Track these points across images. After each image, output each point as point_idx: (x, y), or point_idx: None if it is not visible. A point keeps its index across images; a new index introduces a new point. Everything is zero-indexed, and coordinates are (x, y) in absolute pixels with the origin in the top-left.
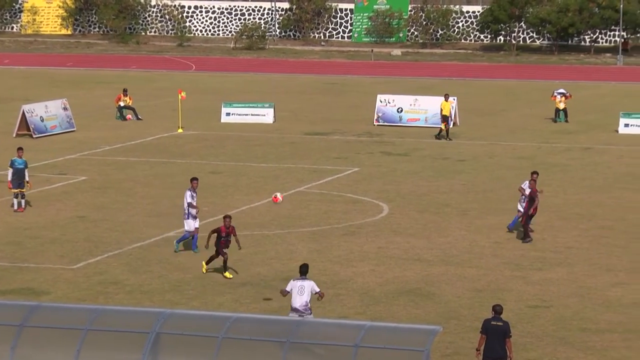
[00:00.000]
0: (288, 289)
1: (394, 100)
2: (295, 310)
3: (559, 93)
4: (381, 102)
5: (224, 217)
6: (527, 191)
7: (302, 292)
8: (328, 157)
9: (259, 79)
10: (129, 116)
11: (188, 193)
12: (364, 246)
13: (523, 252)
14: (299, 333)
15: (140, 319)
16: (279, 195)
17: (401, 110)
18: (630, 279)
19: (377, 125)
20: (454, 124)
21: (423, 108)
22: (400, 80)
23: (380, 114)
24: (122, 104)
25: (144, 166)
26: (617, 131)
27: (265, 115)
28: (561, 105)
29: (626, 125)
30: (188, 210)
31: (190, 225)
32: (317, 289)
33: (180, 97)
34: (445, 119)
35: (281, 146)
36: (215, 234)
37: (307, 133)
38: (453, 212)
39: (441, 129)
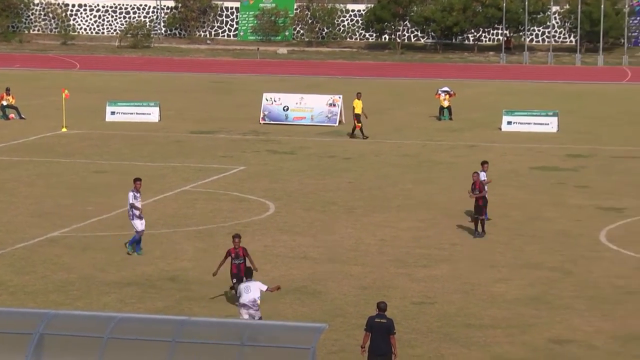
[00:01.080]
0: (237, 294)
1: (279, 98)
2: (243, 305)
3: (443, 91)
4: (267, 100)
5: (233, 237)
6: (483, 177)
7: (248, 290)
8: (214, 155)
9: (144, 78)
10: (11, 115)
11: (131, 194)
12: (250, 245)
13: (408, 250)
14: (185, 332)
15: (24, 320)
16: None
17: (287, 109)
18: (513, 275)
19: (263, 123)
20: (339, 122)
21: (309, 106)
22: (286, 79)
23: (266, 113)
24: (4, 103)
25: (28, 166)
26: (500, 129)
27: (151, 114)
28: (445, 103)
29: (509, 122)
30: (132, 211)
31: (137, 225)
32: (265, 287)
33: (64, 95)
34: (357, 117)
35: (167, 145)
36: (226, 259)
37: (193, 132)
38: (339, 210)
39: (354, 128)
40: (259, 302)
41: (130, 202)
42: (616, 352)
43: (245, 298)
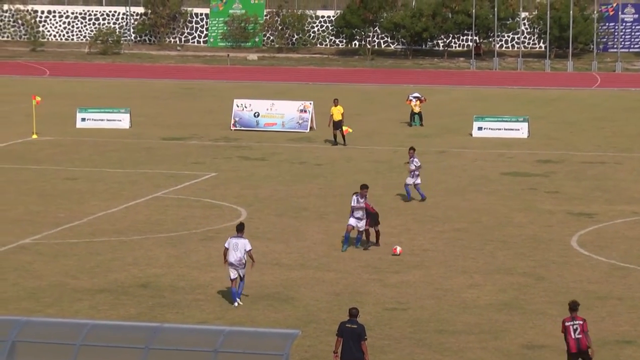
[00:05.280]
0: (226, 245)
1: (250, 104)
2: (230, 264)
3: (414, 97)
4: (238, 106)
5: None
6: (418, 163)
7: (236, 248)
8: (185, 162)
9: (114, 84)
10: None
11: None
12: (222, 251)
13: (381, 255)
14: (158, 339)
15: None
16: (398, 248)
17: (258, 115)
18: (485, 280)
19: (234, 130)
20: (310, 128)
21: (280, 112)
22: (257, 85)
23: (237, 119)
24: None
25: None
26: (471, 134)
27: (121, 121)
28: (416, 109)
29: (480, 128)
30: None
31: None
32: (249, 247)
33: (34, 102)
34: (336, 124)
35: (138, 151)
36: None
37: (164, 138)
38: (311, 216)
39: (335, 135)
40: (244, 260)
41: None
42: None
43: (232, 256)
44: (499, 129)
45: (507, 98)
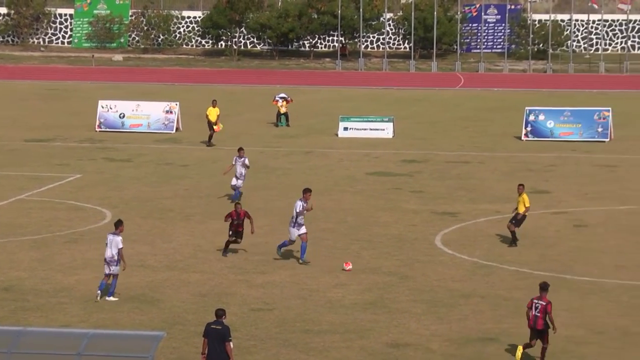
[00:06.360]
0: (106, 241)
1: (115, 105)
2: (105, 260)
3: (280, 97)
4: (103, 107)
5: (235, 204)
6: (238, 163)
7: (110, 245)
8: (49, 164)
9: None
10: None
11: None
12: (87, 253)
13: (247, 256)
14: (21, 343)
15: None
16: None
17: (123, 116)
18: (350, 280)
19: (99, 131)
20: (176, 129)
21: (145, 113)
22: (122, 86)
23: (102, 120)
24: None
25: None
26: (337, 135)
27: None
28: (283, 110)
29: (345, 128)
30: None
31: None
32: (120, 245)
33: None
34: (212, 125)
35: (0, 154)
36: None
37: (27, 140)
38: (177, 218)
39: (211, 135)
40: (116, 257)
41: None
42: (452, 354)
43: (107, 253)
44: (365, 129)
45: (372, 98)
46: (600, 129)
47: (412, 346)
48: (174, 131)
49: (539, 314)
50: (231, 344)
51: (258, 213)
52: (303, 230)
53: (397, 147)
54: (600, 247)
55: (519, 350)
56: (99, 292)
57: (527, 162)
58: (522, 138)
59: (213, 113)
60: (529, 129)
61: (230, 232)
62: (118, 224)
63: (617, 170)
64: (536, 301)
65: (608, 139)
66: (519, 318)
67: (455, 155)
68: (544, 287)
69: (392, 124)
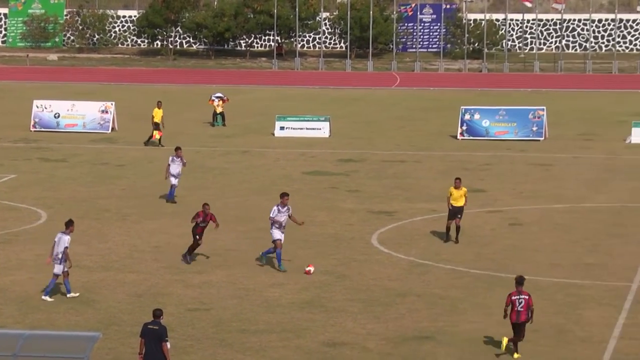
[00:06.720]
0: (55, 239)
1: (50, 105)
2: (53, 259)
3: (217, 97)
4: (37, 107)
5: (203, 205)
6: (174, 166)
7: (58, 243)
8: None
9: None
10: None
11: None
12: (21, 254)
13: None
14: None
15: None
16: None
17: (58, 116)
18: (287, 279)
19: (34, 131)
20: (112, 129)
21: (81, 113)
22: (57, 86)
23: (37, 120)
24: None
25: None
26: (273, 134)
27: None
28: (219, 109)
29: (282, 128)
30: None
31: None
32: (67, 244)
33: None
34: (157, 125)
35: None
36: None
37: None
38: (113, 218)
39: (151, 136)
40: (60, 256)
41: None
42: (388, 353)
43: (55, 250)
44: (301, 129)
45: (309, 98)
46: (535, 128)
47: (349, 345)
48: (110, 131)
49: (522, 309)
50: (168, 344)
51: (195, 213)
52: (278, 236)
53: (333, 146)
54: (535, 245)
55: (504, 340)
56: (47, 295)
57: (462, 161)
58: (458, 137)
59: (158, 114)
60: (464, 128)
61: (197, 237)
62: (69, 224)
63: (552, 169)
64: (518, 296)
65: (543, 138)
66: (454, 316)
67: (391, 154)
68: (520, 281)
69: (328, 123)
